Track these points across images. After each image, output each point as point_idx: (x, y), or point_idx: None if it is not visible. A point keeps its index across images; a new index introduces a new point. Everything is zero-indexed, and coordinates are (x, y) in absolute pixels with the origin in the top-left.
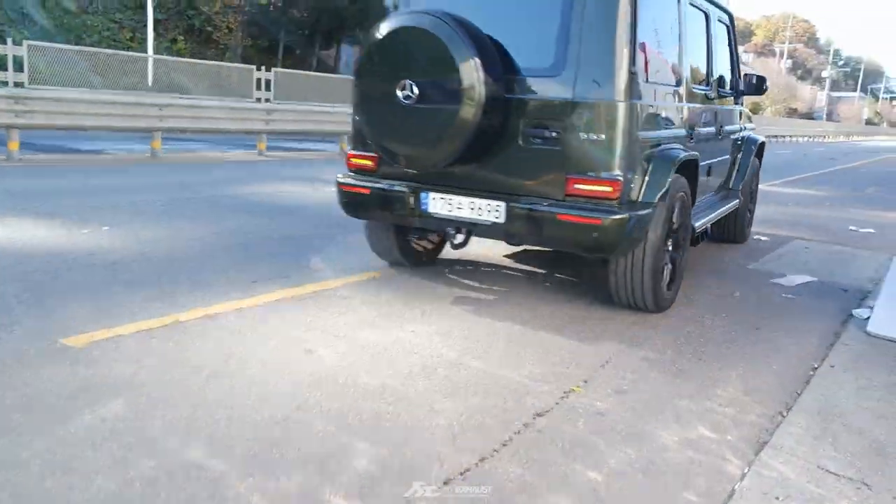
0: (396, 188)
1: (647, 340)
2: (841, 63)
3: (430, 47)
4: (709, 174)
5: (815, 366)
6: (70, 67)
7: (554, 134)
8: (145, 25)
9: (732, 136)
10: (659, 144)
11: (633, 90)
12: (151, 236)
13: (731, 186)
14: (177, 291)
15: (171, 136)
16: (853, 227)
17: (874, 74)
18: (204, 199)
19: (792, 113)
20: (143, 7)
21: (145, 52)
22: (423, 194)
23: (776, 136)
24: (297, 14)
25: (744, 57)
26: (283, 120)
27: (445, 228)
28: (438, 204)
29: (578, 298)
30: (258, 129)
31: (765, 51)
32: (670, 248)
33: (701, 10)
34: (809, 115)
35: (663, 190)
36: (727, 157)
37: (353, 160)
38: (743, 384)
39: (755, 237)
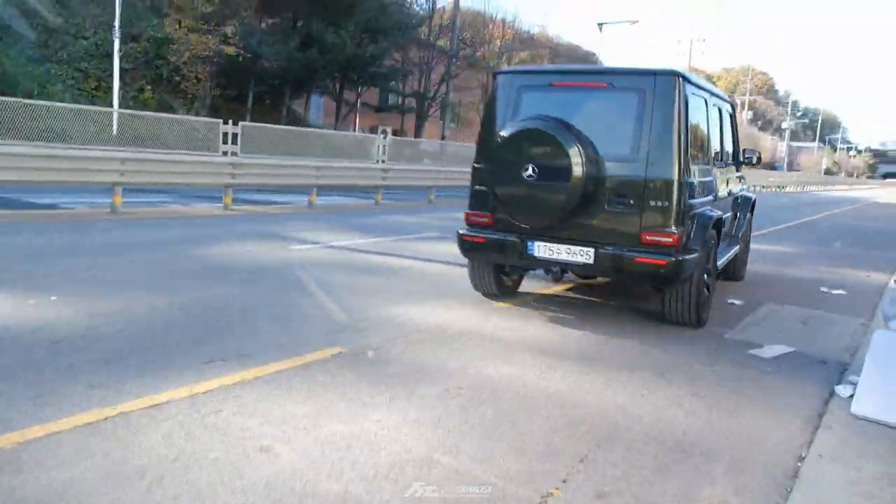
0: (509, 238)
1: (626, 430)
2: (799, 114)
3: (545, 142)
4: (724, 226)
5: (803, 455)
6: (31, 120)
7: (631, 201)
8: (111, 75)
9: (735, 195)
10: (699, 207)
11: (683, 171)
12: (103, 307)
13: (733, 234)
14: (125, 375)
15: (133, 188)
16: (825, 289)
17: (831, 125)
18: (163, 261)
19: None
20: (110, 56)
21: (111, 100)
22: (529, 242)
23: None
24: (267, 64)
25: None
26: (249, 174)
27: (547, 267)
28: (542, 250)
29: (550, 379)
30: (224, 183)
31: None
32: (707, 280)
33: (717, 105)
34: (771, 165)
35: (704, 240)
36: (732, 212)
37: (472, 217)
38: (731, 481)
39: (728, 301)
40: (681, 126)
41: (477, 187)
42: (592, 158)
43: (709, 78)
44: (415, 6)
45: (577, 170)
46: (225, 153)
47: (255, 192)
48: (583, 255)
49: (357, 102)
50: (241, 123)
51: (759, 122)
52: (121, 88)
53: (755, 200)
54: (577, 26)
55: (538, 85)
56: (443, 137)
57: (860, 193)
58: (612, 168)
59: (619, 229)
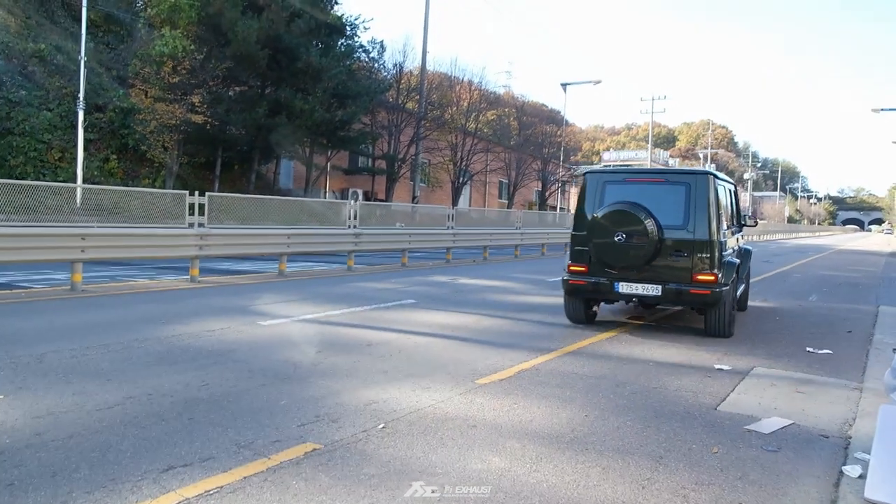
0: (602, 280)
1: None
2: (759, 165)
3: (629, 217)
4: (740, 270)
5: None
6: None
7: (685, 254)
8: (76, 145)
9: (741, 248)
10: (727, 257)
11: (717, 234)
12: (53, 406)
13: (741, 275)
14: (72, 494)
15: (96, 262)
16: (810, 349)
17: (791, 174)
18: (123, 346)
19: None
20: (74, 127)
21: (75, 171)
22: (615, 283)
23: None
24: (236, 131)
25: (670, 161)
26: (217, 245)
27: (627, 300)
28: (624, 287)
29: (542, 472)
30: (192, 255)
31: (688, 154)
32: (733, 304)
33: (729, 188)
34: None
35: (732, 278)
36: (741, 260)
37: (572, 267)
38: None
39: (716, 367)
40: (711, 206)
41: (577, 248)
42: (659, 227)
43: (669, 133)
44: (382, 71)
45: (652, 234)
46: (191, 224)
47: (224, 261)
48: (653, 290)
49: (327, 166)
50: (207, 194)
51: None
52: (85, 159)
53: (752, 251)
54: (542, 84)
55: (617, 181)
56: (414, 198)
57: (824, 241)
58: (669, 233)
59: (677, 272)
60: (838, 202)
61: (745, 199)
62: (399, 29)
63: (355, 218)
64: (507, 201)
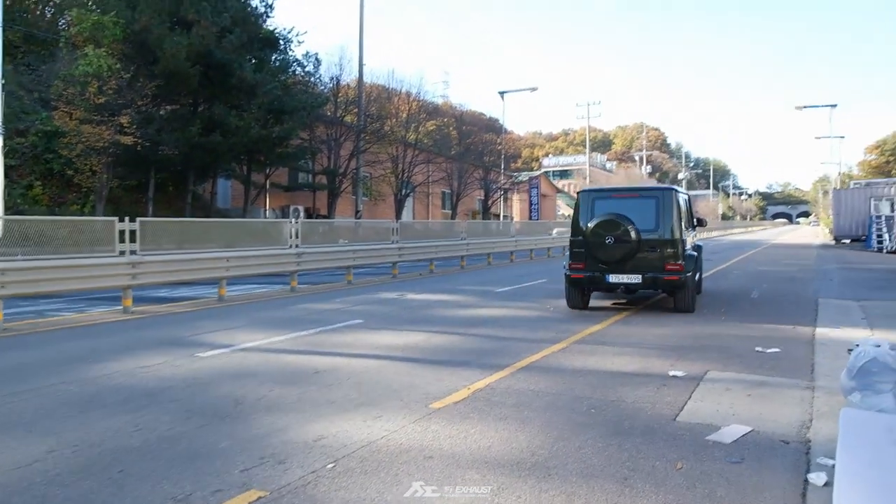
0: (595, 273)
1: None
2: (692, 165)
3: (615, 224)
4: (697, 261)
5: None
6: None
7: (657, 250)
8: None
9: (696, 244)
10: (688, 251)
11: (680, 233)
12: None
13: (697, 265)
14: None
15: (21, 297)
16: (759, 348)
17: (722, 173)
18: (46, 391)
19: None
20: None
21: None
22: (606, 275)
23: None
24: (169, 151)
25: (607, 164)
26: (151, 272)
27: (616, 288)
28: (614, 278)
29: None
30: (124, 285)
31: (624, 157)
32: (700, 275)
33: (686, 198)
34: None
35: (694, 266)
36: (697, 253)
37: (572, 265)
38: None
39: (671, 375)
40: (674, 213)
41: (575, 250)
42: (637, 231)
43: (605, 136)
44: (319, 85)
45: (634, 236)
46: (122, 252)
47: (160, 289)
48: (635, 278)
49: (266, 183)
50: (139, 219)
51: (657, 175)
52: (7, 186)
53: (702, 246)
54: (480, 93)
55: (603, 197)
56: (357, 212)
57: (758, 235)
58: (645, 235)
59: (652, 263)
60: (767, 197)
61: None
62: (334, 42)
63: (297, 236)
64: (450, 211)
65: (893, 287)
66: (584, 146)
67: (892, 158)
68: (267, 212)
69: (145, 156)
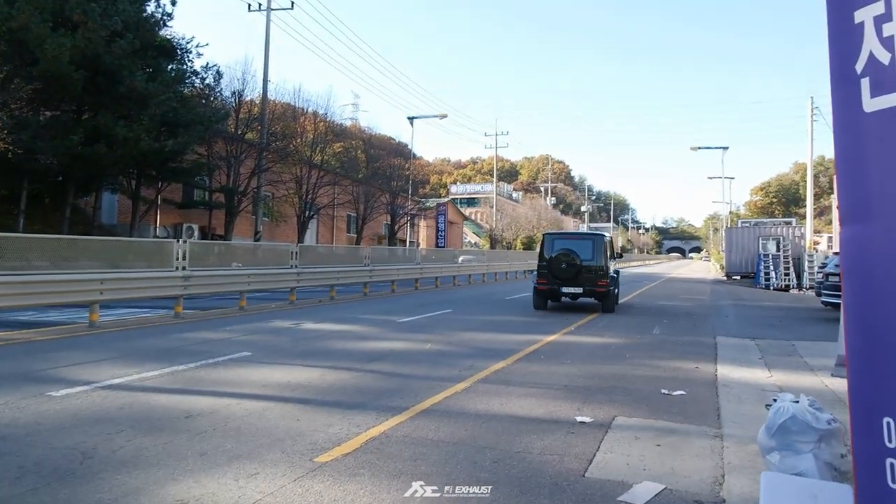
0: (554, 286)
1: None
2: (594, 198)
3: (568, 255)
4: (617, 280)
5: None
6: None
7: (593, 272)
8: None
9: (616, 270)
10: (612, 274)
11: (606, 262)
12: None
13: (616, 284)
14: None
15: None
16: (665, 391)
17: (622, 207)
18: None
19: None
20: None
21: None
22: (560, 287)
23: None
24: (46, 161)
25: (514, 194)
26: (8, 294)
27: (566, 297)
28: (565, 289)
29: None
30: None
31: (530, 188)
32: (615, 296)
33: (611, 238)
34: None
35: (616, 282)
36: (616, 276)
37: (538, 280)
38: None
39: (578, 420)
40: (604, 249)
41: (540, 271)
42: (581, 260)
43: (512, 167)
44: (220, 98)
45: (578, 263)
46: None
47: (25, 312)
48: (579, 290)
49: (157, 199)
50: None
51: (561, 206)
52: None
53: (620, 271)
54: (389, 117)
55: (560, 237)
56: (256, 233)
57: (654, 269)
58: (586, 263)
59: (590, 280)
60: (663, 232)
61: (584, 230)
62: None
63: (184, 258)
64: (356, 235)
65: (783, 325)
66: (492, 175)
67: (775, 200)
68: (157, 230)
69: (17, 164)
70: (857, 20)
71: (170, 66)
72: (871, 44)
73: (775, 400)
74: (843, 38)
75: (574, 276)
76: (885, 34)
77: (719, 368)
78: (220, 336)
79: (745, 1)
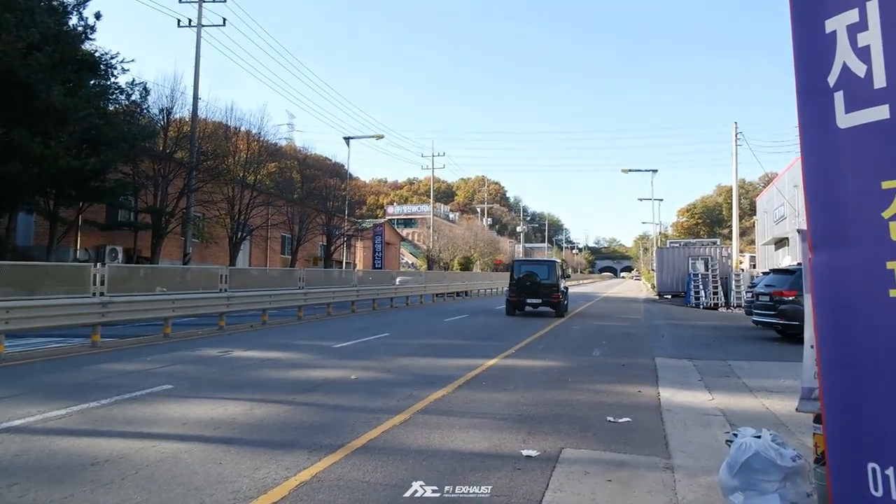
0: (521, 298)
1: None
2: (529, 219)
3: (531, 276)
4: (567, 294)
5: None
6: None
7: (549, 287)
8: None
9: (566, 286)
10: (564, 289)
11: (559, 280)
12: None
13: (566, 296)
14: None
15: None
16: (610, 418)
17: (555, 227)
18: None
19: (498, 266)
20: None
21: None
22: (526, 299)
23: (493, 290)
24: None
25: (450, 215)
26: None
27: (529, 306)
28: (529, 300)
29: None
30: None
31: (466, 209)
32: (566, 305)
33: (562, 262)
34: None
35: (566, 295)
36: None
37: (510, 293)
38: None
39: (524, 454)
40: (557, 270)
41: (511, 287)
42: (540, 279)
43: (449, 188)
44: (147, 116)
45: (538, 281)
46: None
47: None
48: (539, 301)
49: (78, 220)
50: None
51: (497, 227)
52: None
53: (569, 287)
54: (326, 138)
55: (525, 263)
56: (185, 255)
57: (589, 288)
58: (543, 281)
59: (547, 294)
60: (595, 252)
61: (519, 250)
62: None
63: (102, 283)
64: (290, 257)
65: (717, 345)
66: (429, 196)
67: (700, 221)
68: (78, 252)
69: None
70: (828, 30)
71: (92, 82)
72: (844, 54)
73: (735, 435)
74: (813, 50)
75: (535, 291)
76: (861, 44)
77: (661, 392)
78: (139, 367)
79: (679, 32)
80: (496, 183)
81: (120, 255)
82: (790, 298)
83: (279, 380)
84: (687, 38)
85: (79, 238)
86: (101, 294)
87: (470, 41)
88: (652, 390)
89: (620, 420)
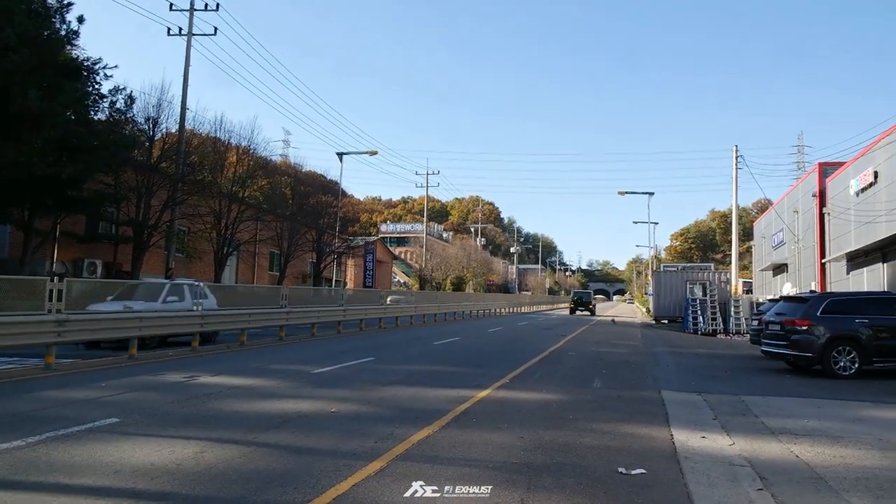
0: (576, 308)
1: None
2: (523, 240)
3: (581, 296)
4: None
5: None
6: None
7: (588, 304)
8: None
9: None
10: (593, 304)
11: (593, 299)
12: None
13: (594, 310)
14: None
15: None
16: (622, 469)
17: (549, 249)
18: None
19: (491, 286)
20: None
21: None
22: (577, 308)
23: (486, 311)
24: None
25: (444, 234)
26: None
27: (579, 312)
28: (578, 310)
29: None
30: None
31: (460, 228)
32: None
33: (591, 291)
34: (505, 287)
35: (594, 309)
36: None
37: (570, 305)
38: None
39: None
40: (592, 296)
41: (572, 300)
42: (584, 299)
43: (443, 207)
44: (131, 125)
45: (584, 300)
46: None
47: None
48: (585, 311)
49: (55, 231)
50: None
51: (490, 247)
52: None
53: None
54: (320, 155)
55: (577, 290)
56: (168, 270)
57: (583, 312)
58: (585, 300)
59: (587, 306)
60: (588, 274)
61: (512, 271)
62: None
63: (59, 299)
64: (279, 274)
65: (724, 377)
66: (423, 215)
67: (693, 245)
68: (55, 265)
69: None
70: None
71: (73, 88)
72: None
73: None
74: None
75: (583, 305)
76: None
77: (675, 434)
78: (89, 395)
79: (682, 53)
80: (490, 203)
81: (99, 269)
82: (804, 328)
83: (243, 413)
84: (687, 59)
85: (56, 250)
86: (58, 311)
87: (472, 60)
88: (663, 432)
89: (633, 472)
